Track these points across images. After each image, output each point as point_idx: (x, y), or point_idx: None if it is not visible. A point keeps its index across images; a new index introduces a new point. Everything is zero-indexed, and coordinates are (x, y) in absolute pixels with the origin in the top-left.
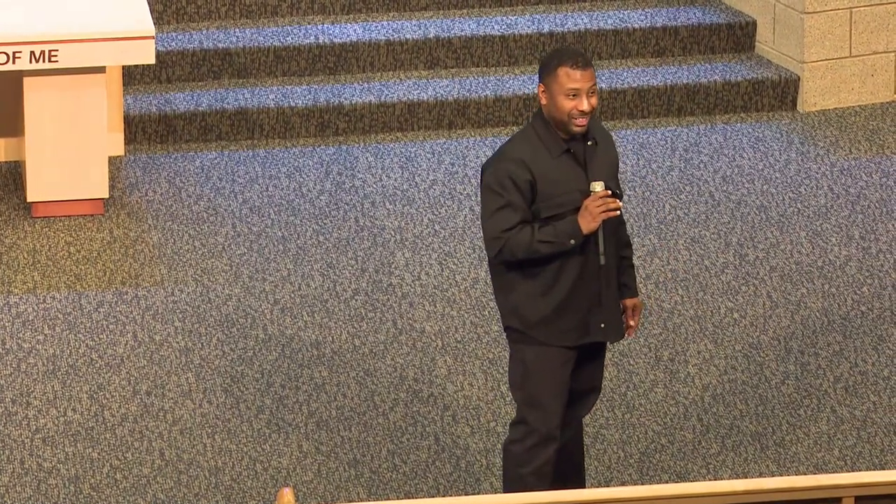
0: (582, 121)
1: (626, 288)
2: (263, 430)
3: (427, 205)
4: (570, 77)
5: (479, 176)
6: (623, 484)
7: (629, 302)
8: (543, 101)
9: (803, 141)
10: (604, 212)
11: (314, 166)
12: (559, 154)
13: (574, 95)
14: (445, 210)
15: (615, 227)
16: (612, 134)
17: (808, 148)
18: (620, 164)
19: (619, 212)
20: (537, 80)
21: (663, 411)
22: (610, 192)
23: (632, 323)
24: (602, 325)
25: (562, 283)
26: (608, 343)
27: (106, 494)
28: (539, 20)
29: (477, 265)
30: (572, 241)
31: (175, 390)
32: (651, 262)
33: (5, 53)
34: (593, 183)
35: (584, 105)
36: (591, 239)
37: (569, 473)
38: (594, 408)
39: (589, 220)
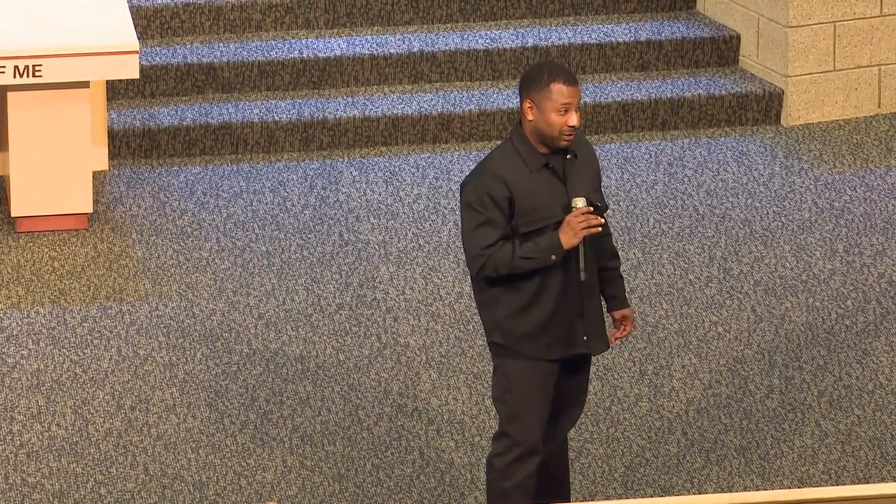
0: (571, 135)
1: (615, 299)
2: (248, 444)
3: (411, 219)
4: (564, 93)
5: (459, 192)
6: (608, 498)
7: (618, 313)
8: (530, 118)
9: (787, 155)
10: (585, 228)
11: (298, 181)
12: (538, 169)
13: (566, 111)
14: (430, 224)
15: (597, 241)
16: (597, 148)
17: (792, 162)
18: (605, 178)
19: (600, 228)
20: (520, 94)
21: (648, 425)
22: (592, 208)
23: (619, 334)
24: (585, 338)
25: (544, 298)
26: (592, 355)
27: None
28: (523, 34)
29: (461, 279)
30: (553, 257)
31: (159, 405)
32: (635, 276)
33: None
34: (575, 199)
35: (574, 120)
36: (572, 254)
37: (553, 489)
38: (579, 422)
39: (570, 236)
